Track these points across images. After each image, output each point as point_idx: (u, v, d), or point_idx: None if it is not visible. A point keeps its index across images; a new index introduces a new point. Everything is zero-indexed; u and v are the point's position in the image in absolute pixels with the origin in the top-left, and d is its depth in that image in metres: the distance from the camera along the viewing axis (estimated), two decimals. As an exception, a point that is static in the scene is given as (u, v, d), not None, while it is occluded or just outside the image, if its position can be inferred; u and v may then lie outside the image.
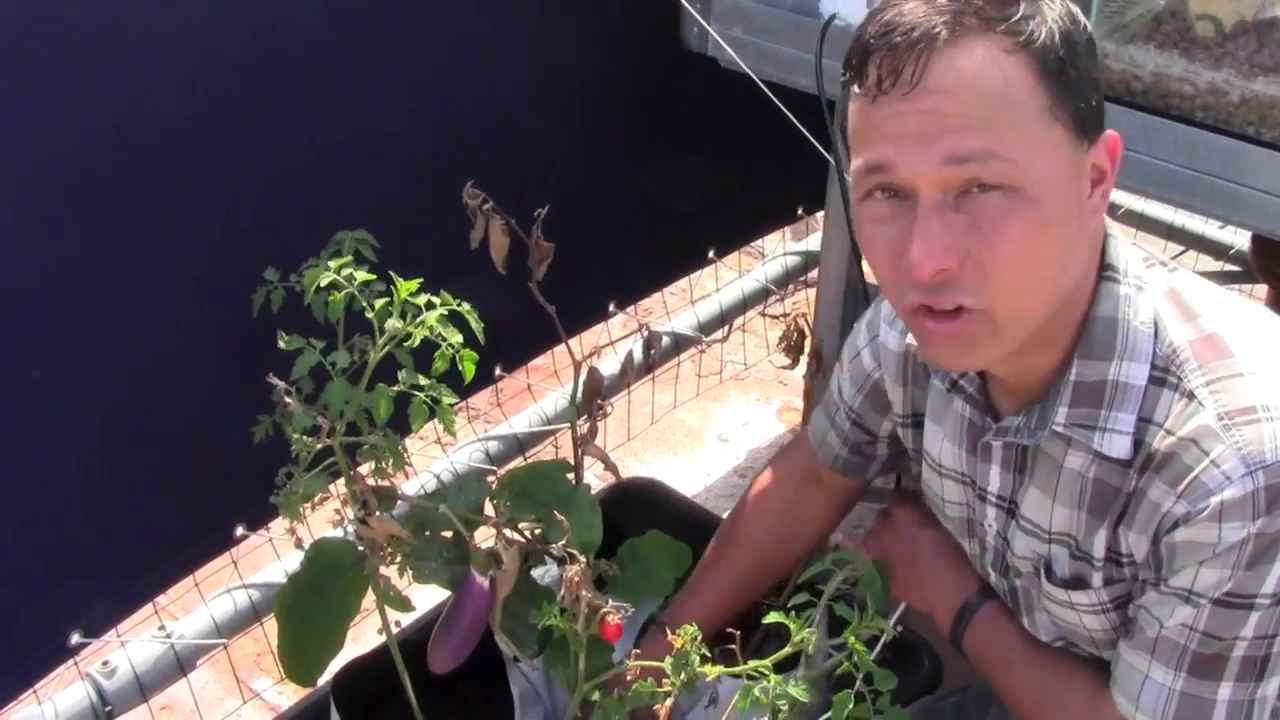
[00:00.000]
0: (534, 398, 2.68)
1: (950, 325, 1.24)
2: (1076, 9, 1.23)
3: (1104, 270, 1.31)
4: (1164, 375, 1.28)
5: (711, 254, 2.82)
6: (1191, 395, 1.25)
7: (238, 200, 1.88)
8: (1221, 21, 1.79)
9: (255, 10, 1.81)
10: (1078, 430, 1.31)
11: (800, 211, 3.02)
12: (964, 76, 1.17)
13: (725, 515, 1.85)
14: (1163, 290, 1.32)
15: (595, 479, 2.02)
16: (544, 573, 1.75)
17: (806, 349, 2.00)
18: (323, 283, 1.38)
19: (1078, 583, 1.39)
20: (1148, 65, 1.81)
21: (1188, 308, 1.30)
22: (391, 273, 1.42)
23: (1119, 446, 1.29)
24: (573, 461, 1.77)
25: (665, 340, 2.88)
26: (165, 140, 1.76)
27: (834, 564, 1.40)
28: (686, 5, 2.04)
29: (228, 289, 1.68)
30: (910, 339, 1.51)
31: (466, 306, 1.44)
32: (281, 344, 1.38)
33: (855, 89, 1.23)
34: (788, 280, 3.22)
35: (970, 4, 1.18)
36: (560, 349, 1.83)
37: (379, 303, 1.40)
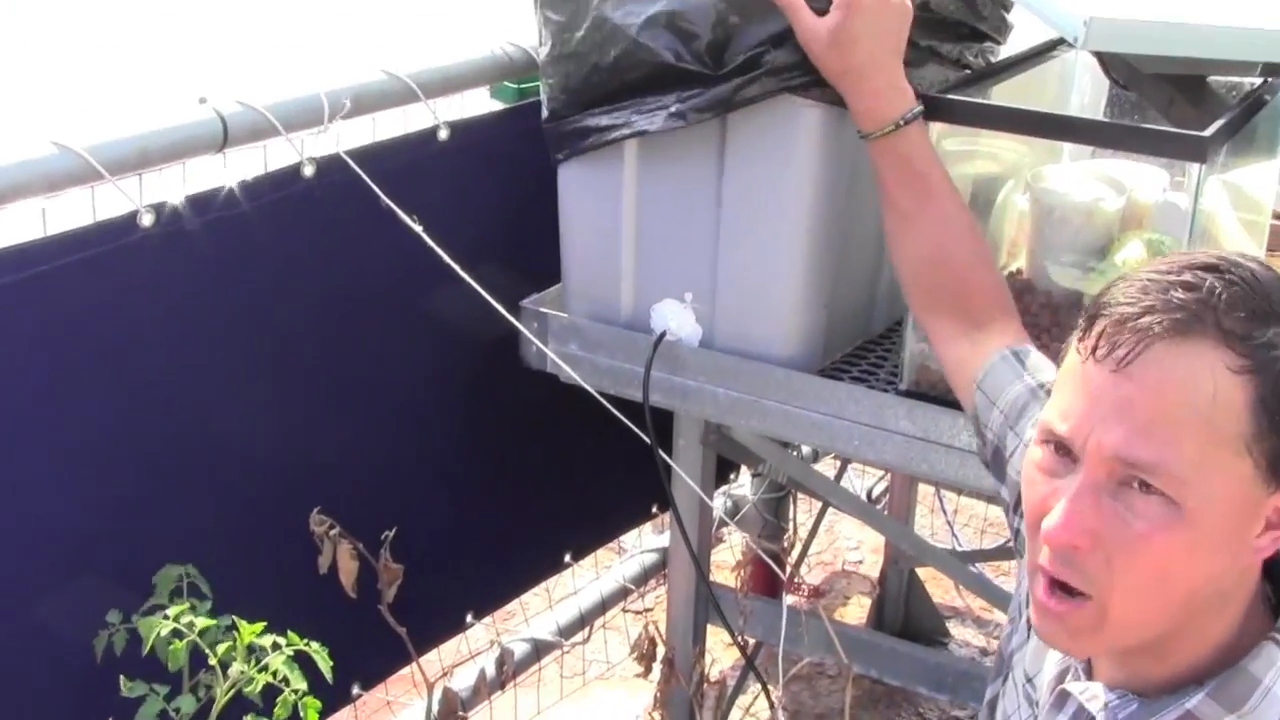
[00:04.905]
0: (393, 712, 2.65)
1: (1060, 605, 1.21)
2: None
3: (1274, 630, 1.24)
4: None
5: (568, 558, 2.86)
6: None
7: (76, 543, 1.88)
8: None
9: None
10: None
11: (655, 509, 3.08)
12: (1170, 380, 1.13)
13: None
14: None
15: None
16: None
17: (659, 657, 2.03)
18: (163, 632, 1.39)
19: None
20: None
21: None
22: (235, 616, 1.44)
23: None
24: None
25: (525, 648, 2.89)
26: None
27: None
28: (522, 329, 2.12)
29: (65, 622, 1.68)
30: None
31: (315, 645, 1.46)
32: (124, 690, 1.39)
33: (1076, 337, 1.20)
34: (646, 578, 3.25)
35: (1217, 309, 1.13)
36: (423, 658, 1.84)
37: (221, 647, 1.41)
